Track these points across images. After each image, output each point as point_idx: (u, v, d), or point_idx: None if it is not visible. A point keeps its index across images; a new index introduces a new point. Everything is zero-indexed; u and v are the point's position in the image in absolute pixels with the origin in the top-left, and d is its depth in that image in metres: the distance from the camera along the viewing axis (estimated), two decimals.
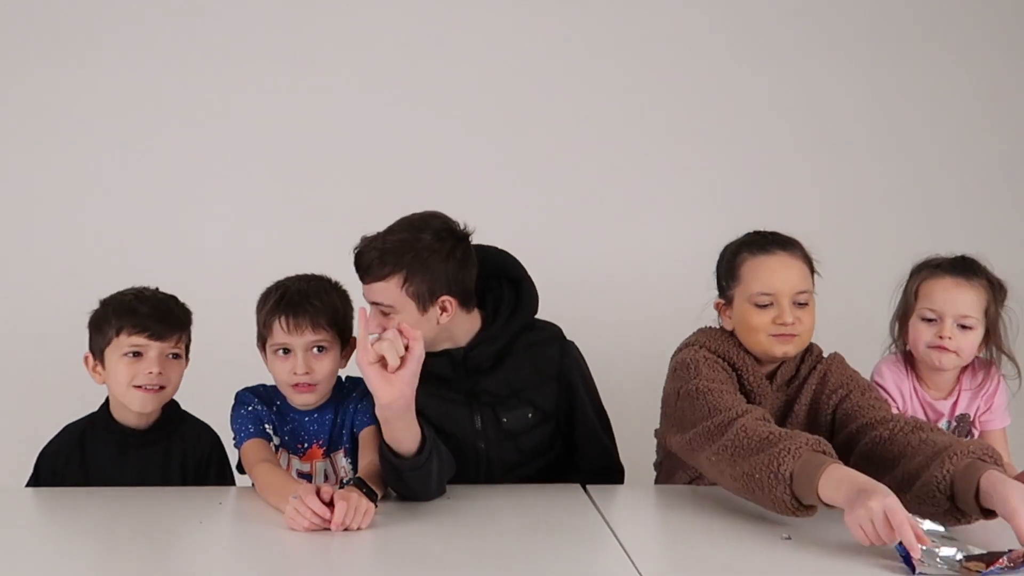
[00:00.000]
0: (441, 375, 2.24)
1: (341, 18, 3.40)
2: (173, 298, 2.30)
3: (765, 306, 2.14)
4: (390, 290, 2.13)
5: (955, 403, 2.30)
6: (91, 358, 2.25)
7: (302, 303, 2.17)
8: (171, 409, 2.30)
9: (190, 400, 2.33)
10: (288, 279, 2.25)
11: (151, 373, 2.18)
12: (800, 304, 2.15)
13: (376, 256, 2.14)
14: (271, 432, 2.22)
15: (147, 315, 2.20)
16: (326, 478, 2.28)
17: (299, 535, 1.82)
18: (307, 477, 2.27)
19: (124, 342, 2.20)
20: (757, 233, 2.24)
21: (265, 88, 3.37)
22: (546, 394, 2.30)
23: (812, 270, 2.22)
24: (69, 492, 2.14)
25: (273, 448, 2.21)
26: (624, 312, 3.36)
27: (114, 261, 3.19)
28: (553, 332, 2.36)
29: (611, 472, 2.40)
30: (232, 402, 2.25)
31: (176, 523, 1.93)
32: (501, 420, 2.27)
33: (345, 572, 1.70)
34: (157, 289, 2.32)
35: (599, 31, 3.46)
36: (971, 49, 3.55)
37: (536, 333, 2.33)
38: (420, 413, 2.09)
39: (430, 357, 2.08)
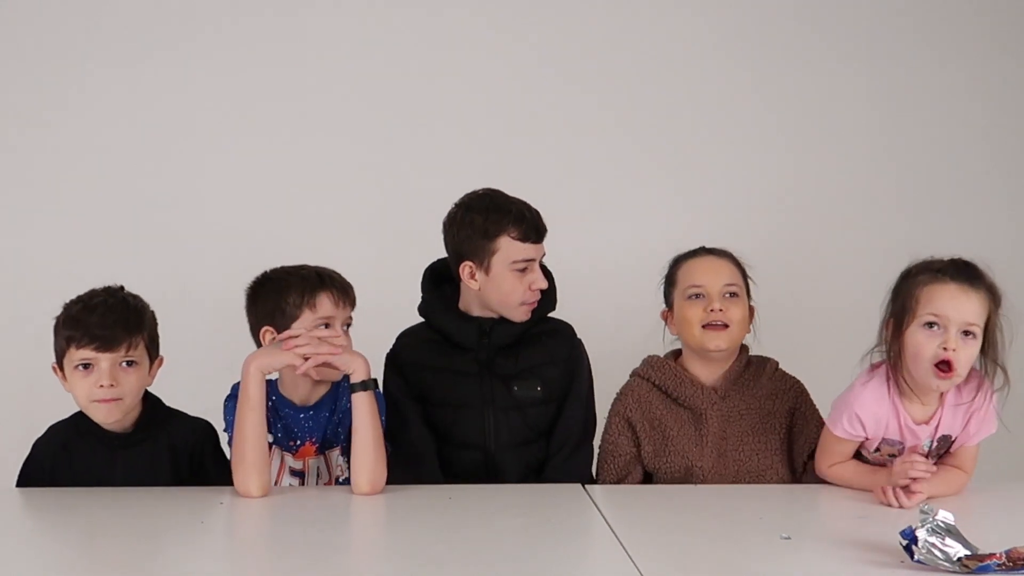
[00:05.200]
0: (463, 344, 2.41)
1: (344, 19, 3.42)
2: (124, 301, 2.22)
3: (697, 297, 2.34)
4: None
5: (936, 427, 2.19)
6: (58, 369, 2.22)
7: (340, 279, 2.30)
8: (153, 408, 2.26)
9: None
10: None
11: (103, 386, 2.14)
12: (730, 296, 2.33)
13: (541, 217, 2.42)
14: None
15: (95, 325, 2.14)
16: (319, 476, 2.29)
17: (298, 536, 1.83)
18: (299, 475, 2.28)
19: (75, 355, 2.15)
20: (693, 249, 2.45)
21: (270, 89, 3.39)
22: (555, 375, 2.43)
23: (744, 274, 2.40)
24: (69, 492, 2.13)
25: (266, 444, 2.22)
26: (621, 312, 3.37)
27: (112, 262, 3.18)
28: (566, 327, 2.52)
29: (575, 459, 2.42)
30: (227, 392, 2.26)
31: (177, 523, 1.93)
32: (512, 388, 2.38)
33: (345, 572, 1.70)
34: (120, 289, 2.26)
35: (593, 32, 3.48)
36: (965, 47, 3.55)
37: (552, 324, 2.50)
38: (424, 398, 2.37)
39: (458, 324, 2.39)
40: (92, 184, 3.34)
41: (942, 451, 2.23)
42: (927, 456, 2.19)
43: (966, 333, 2.09)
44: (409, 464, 2.32)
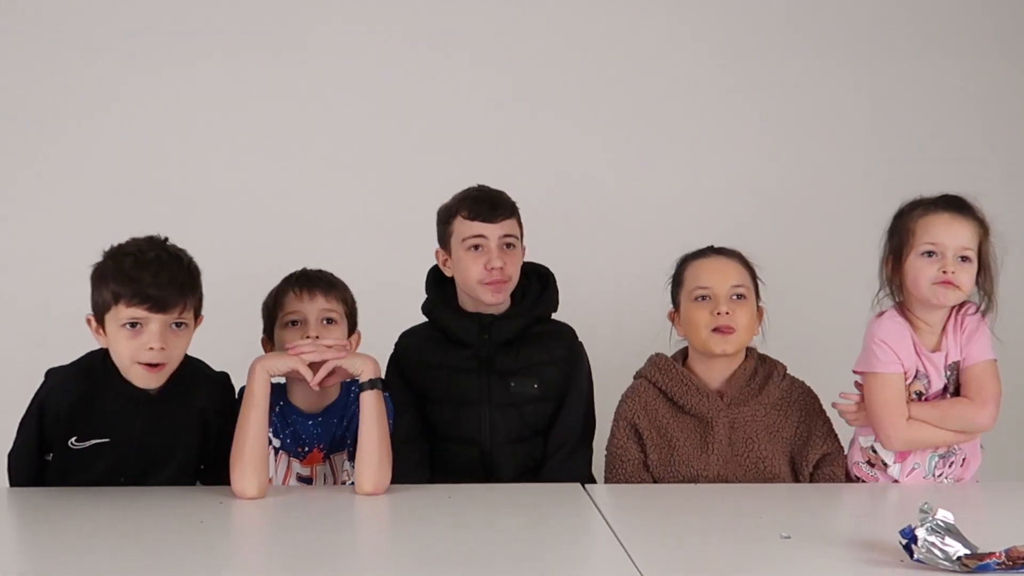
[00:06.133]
0: (464, 340, 2.42)
1: (345, 19, 3.42)
2: (179, 259, 2.10)
3: (703, 299, 2.32)
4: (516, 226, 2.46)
5: (946, 355, 2.28)
6: (93, 321, 2.09)
7: (308, 274, 2.28)
8: (181, 366, 2.14)
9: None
10: None
11: (152, 349, 2.02)
12: (736, 298, 2.31)
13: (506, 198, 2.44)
14: (270, 434, 2.22)
15: (149, 284, 2.00)
16: (325, 482, 2.29)
17: (297, 535, 1.83)
18: (307, 481, 2.28)
19: (123, 313, 2.02)
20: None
21: (271, 90, 3.40)
22: (553, 374, 2.44)
23: (753, 276, 2.38)
24: (68, 492, 2.13)
25: (273, 451, 2.22)
26: (624, 314, 3.37)
27: None
28: (568, 329, 2.53)
29: (574, 459, 2.41)
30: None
31: (176, 523, 1.93)
32: (509, 384, 2.39)
33: (345, 571, 1.70)
34: (165, 242, 2.13)
35: (594, 32, 3.49)
36: (968, 42, 3.55)
37: (553, 325, 2.52)
38: (424, 394, 2.39)
39: (458, 320, 2.40)
40: (91, 184, 3.34)
41: (955, 382, 2.30)
42: (944, 390, 2.28)
43: (963, 259, 2.21)
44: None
